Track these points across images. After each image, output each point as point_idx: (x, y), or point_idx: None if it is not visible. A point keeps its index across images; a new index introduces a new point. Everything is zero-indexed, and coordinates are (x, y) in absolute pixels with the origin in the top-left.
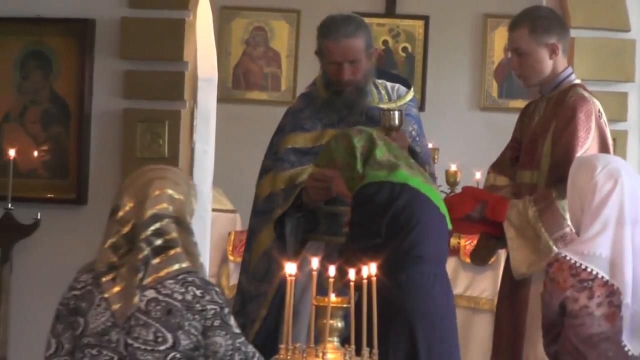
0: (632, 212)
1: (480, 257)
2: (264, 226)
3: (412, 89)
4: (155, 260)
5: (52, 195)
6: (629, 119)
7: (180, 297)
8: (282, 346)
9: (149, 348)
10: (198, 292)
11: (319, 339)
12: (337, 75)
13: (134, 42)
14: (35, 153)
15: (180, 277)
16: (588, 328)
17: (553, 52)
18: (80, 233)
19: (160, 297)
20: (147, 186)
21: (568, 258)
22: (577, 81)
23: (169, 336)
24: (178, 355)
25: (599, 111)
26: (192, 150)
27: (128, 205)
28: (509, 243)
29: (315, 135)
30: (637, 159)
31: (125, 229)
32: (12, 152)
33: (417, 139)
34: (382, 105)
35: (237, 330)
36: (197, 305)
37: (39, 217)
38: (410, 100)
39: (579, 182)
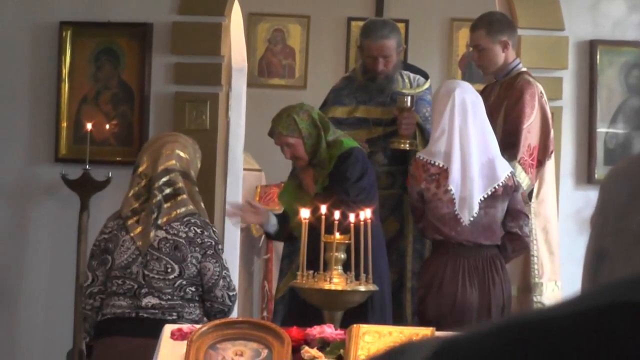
0: (459, 119)
1: None
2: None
3: (429, 79)
4: (167, 205)
5: (120, 159)
6: (564, 98)
7: (184, 235)
8: (299, 273)
9: (161, 277)
10: (198, 230)
11: (327, 268)
12: (373, 66)
13: (182, 41)
14: (107, 126)
15: (185, 219)
16: (440, 210)
17: (505, 47)
18: None
19: (169, 237)
20: (160, 147)
21: (421, 157)
22: (524, 69)
23: (176, 267)
24: (184, 282)
25: (541, 92)
26: (227, 123)
27: (146, 163)
28: None
29: (350, 109)
30: (569, 129)
31: (144, 182)
32: (89, 126)
33: (429, 119)
34: (404, 91)
35: (227, 265)
36: (198, 240)
37: (110, 175)
38: (427, 89)
39: (433, 100)
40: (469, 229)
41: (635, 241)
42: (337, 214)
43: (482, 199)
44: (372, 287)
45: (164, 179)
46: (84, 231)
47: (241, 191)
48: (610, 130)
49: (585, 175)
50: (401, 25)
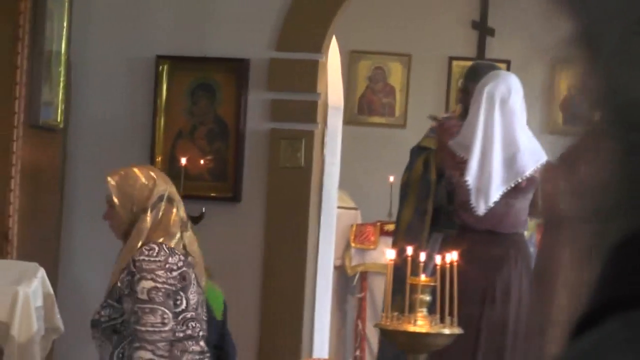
0: (485, 114)
1: None
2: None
3: None
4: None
5: (214, 194)
6: None
7: None
8: (383, 314)
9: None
10: None
11: (412, 310)
12: None
13: (279, 77)
14: (202, 161)
15: None
16: (462, 196)
17: None
18: (235, 223)
19: None
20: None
21: (451, 147)
22: None
23: None
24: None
25: None
26: (322, 161)
27: (165, 184)
28: None
29: None
30: None
31: (174, 208)
32: (183, 161)
33: None
34: None
35: None
36: None
37: (204, 210)
38: None
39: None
40: (484, 217)
41: None
42: None
43: (504, 191)
44: (457, 330)
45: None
46: None
47: (335, 230)
48: None
49: None
50: (503, 66)
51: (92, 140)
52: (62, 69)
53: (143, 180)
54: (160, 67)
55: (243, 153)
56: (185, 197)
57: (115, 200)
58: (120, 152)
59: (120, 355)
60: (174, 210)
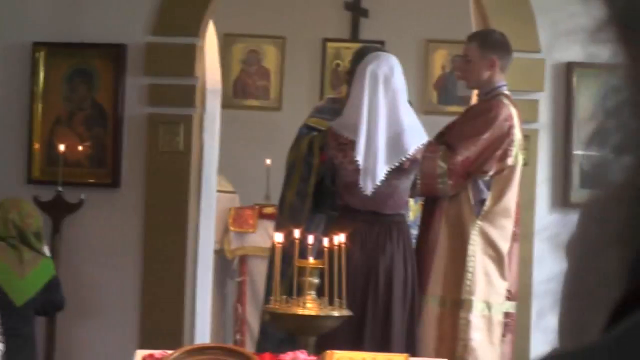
0: (369, 92)
1: None
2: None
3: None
4: None
5: (93, 180)
6: (540, 120)
7: None
8: (272, 298)
9: None
10: None
11: (300, 293)
12: None
13: (156, 62)
14: (80, 148)
15: None
16: (346, 178)
17: (492, 65)
18: (115, 209)
19: None
20: None
21: (334, 128)
22: (507, 92)
23: None
24: None
25: (509, 115)
26: (201, 145)
27: None
28: None
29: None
30: (545, 151)
31: None
32: (61, 147)
33: None
34: None
35: None
36: None
37: (83, 197)
38: None
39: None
40: (369, 198)
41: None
42: None
43: (388, 170)
44: (346, 312)
45: None
46: (56, 255)
47: (215, 213)
48: (587, 153)
49: (561, 198)
50: (377, 47)
51: None
52: None
53: None
54: (37, 54)
55: (122, 139)
56: (64, 184)
57: None
58: None
59: None
60: None
